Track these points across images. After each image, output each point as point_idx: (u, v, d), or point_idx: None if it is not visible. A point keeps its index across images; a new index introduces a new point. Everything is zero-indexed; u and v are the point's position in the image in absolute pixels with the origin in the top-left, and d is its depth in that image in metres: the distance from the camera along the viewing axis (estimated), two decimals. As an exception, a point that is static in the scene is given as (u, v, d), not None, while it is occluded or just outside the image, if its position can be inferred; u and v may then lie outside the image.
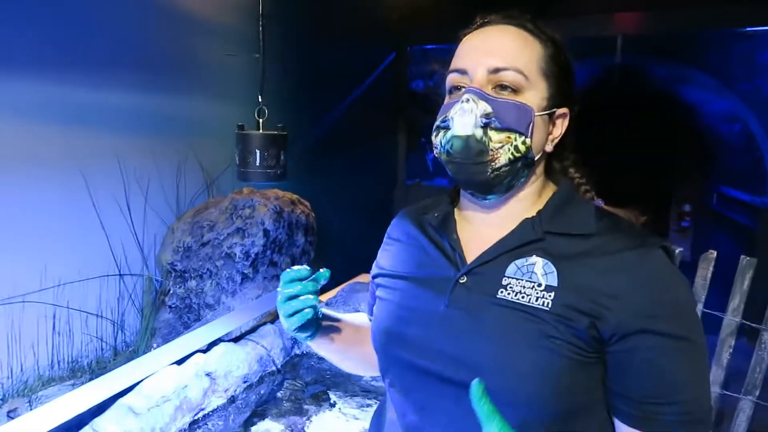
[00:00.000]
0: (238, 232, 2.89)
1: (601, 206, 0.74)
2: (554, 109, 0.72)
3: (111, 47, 2.75)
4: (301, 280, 0.78)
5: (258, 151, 1.64)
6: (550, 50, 0.72)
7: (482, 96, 0.68)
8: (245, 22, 3.64)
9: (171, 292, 2.90)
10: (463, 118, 0.68)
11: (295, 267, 0.79)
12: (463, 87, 0.71)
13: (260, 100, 1.83)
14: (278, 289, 0.80)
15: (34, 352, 2.49)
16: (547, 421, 0.65)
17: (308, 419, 2.25)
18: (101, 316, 2.77)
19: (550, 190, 0.76)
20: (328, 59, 3.84)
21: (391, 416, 0.79)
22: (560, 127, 0.74)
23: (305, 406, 2.35)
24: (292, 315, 0.78)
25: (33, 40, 2.39)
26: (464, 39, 0.74)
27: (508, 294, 0.67)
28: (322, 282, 0.80)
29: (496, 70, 0.69)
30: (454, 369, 0.67)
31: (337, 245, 3.81)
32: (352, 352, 0.91)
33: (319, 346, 0.88)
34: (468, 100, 0.68)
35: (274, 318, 2.71)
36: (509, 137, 0.68)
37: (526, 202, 0.74)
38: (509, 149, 0.68)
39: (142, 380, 1.93)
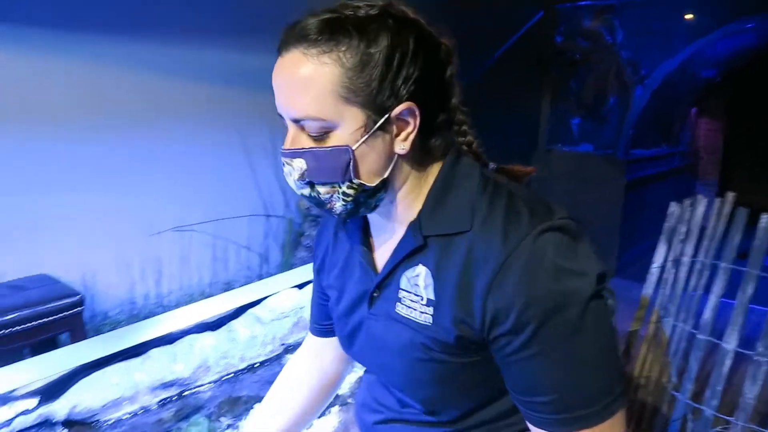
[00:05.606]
0: (363, 183, 3.19)
1: (486, 179, 0.69)
2: (386, 116, 0.63)
3: (266, 13, 3.16)
4: None
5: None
6: (352, 61, 0.61)
7: (294, 155, 0.64)
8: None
9: (306, 233, 3.32)
10: (288, 181, 0.68)
11: None
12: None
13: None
14: None
15: (199, 272, 3.07)
16: (456, 415, 0.73)
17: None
18: (250, 249, 3.29)
19: (431, 176, 0.70)
20: (473, 17, 3.85)
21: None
22: (412, 122, 0.65)
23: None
24: None
25: (196, 15, 2.87)
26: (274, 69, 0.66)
27: (402, 309, 0.69)
28: None
29: (297, 121, 0.64)
30: (383, 376, 0.78)
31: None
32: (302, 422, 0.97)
33: None
34: (284, 165, 0.66)
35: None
36: (333, 188, 0.65)
37: (407, 201, 0.70)
38: (339, 197, 0.65)
39: (267, 296, 2.30)
